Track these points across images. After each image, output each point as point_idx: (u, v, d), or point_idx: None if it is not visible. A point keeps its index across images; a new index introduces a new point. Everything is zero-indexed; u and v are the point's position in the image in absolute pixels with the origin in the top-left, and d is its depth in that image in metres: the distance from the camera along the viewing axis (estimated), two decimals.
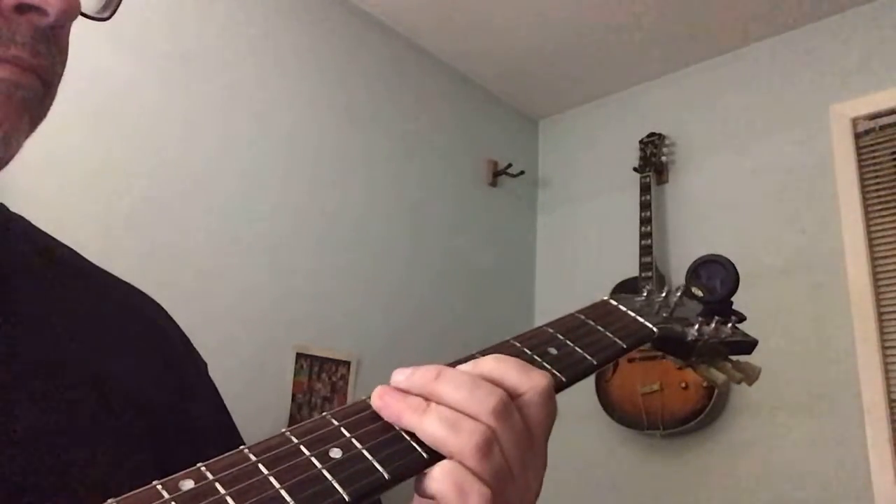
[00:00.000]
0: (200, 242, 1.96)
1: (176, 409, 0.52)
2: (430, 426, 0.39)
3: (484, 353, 0.46)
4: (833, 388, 2.13)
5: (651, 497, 2.42)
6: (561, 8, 2.50)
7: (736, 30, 2.57)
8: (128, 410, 0.47)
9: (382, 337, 2.35)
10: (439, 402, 0.40)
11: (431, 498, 0.39)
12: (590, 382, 2.44)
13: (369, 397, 0.41)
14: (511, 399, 0.41)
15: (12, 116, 0.41)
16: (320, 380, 2.15)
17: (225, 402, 0.60)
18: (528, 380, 0.42)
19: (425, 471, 0.39)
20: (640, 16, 2.51)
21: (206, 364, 0.60)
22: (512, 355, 0.46)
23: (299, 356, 2.10)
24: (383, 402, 0.41)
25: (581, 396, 2.49)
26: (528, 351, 0.47)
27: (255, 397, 1.94)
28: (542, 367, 0.46)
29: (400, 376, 0.42)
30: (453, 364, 0.44)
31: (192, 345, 0.60)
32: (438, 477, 0.38)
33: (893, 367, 2.06)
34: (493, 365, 0.43)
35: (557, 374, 0.46)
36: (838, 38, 2.42)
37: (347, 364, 2.22)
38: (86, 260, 0.56)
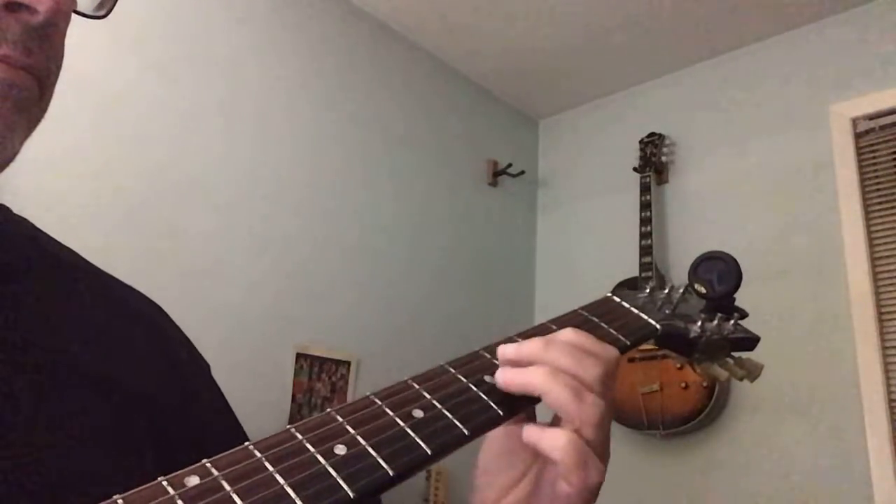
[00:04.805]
0: (200, 242, 1.96)
1: (178, 410, 0.52)
2: (559, 391, 0.40)
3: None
4: (833, 388, 2.13)
5: (651, 497, 2.42)
6: (561, 8, 2.50)
7: (736, 30, 2.57)
8: (130, 411, 0.47)
9: (382, 337, 2.35)
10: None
11: (547, 457, 0.41)
12: None
13: (373, 395, 0.41)
14: None
15: (7, 116, 0.41)
16: (320, 380, 2.14)
17: None
18: (606, 350, 0.45)
19: (531, 427, 0.41)
20: (641, 15, 2.51)
21: (209, 365, 0.60)
22: None
23: (299, 356, 2.10)
24: (507, 375, 0.42)
25: None
26: None
27: (255, 397, 1.94)
28: None
29: (508, 349, 0.44)
30: (526, 334, 0.46)
31: (193, 346, 0.59)
32: (562, 446, 0.40)
33: (893, 367, 2.06)
34: (575, 335, 0.45)
35: None
36: (838, 38, 2.42)
37: (347, 364, 2.22)
38: (87, 261, 0.56)
